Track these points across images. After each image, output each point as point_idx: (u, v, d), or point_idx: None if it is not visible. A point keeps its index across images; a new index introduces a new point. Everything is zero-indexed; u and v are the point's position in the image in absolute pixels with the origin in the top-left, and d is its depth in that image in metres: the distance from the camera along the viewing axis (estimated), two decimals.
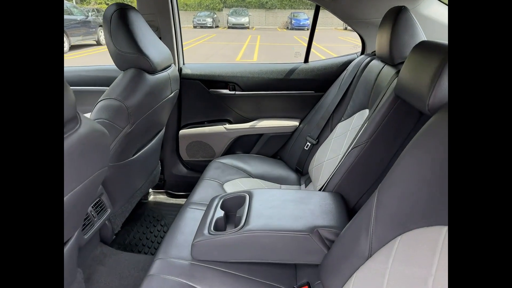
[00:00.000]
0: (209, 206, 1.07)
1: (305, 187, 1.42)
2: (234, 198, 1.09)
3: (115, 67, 1.22)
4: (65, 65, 1.65)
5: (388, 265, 0.67)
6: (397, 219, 0.70)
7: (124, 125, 1.09)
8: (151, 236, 1.52)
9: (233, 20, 19.95)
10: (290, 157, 1.62)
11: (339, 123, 1.39)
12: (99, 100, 1.07)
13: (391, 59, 1.13)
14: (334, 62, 1.68)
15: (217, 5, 23.47)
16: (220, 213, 1.03)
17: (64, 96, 0.55)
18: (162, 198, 1.87)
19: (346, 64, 1.62)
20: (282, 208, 0.98)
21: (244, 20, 19.87)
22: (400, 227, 0.69)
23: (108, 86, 1.12)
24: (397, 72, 1.08)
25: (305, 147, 1.52)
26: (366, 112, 1.23)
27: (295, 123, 1.70)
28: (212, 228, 0.95)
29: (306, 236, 0.88)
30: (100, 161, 0.71)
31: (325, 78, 1.65)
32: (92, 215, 1.13)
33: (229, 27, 20.27)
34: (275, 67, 1.71)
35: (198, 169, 1.82)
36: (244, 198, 1.06)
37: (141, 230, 1.56)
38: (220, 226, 1.00)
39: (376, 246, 0.73)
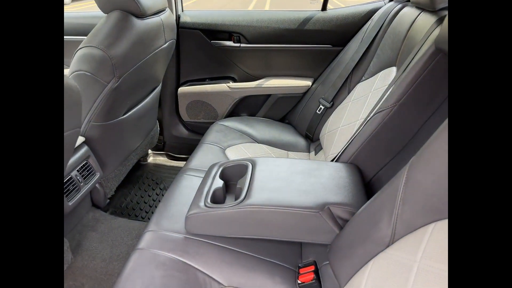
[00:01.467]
0: (207, 175, 0.95)
1: (315, 155, 1.28)
2: (235, 167, 0.96)
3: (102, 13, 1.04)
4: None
5: (416, 257, 0.55)
6: (431, 202, 0.57)
7: (109, 79, 0.94)
8: (149, 200, 1.44)
9: None
10: (300, 122, 1.46)
11: (359, 84, 1.21)
12: (78, 48, 0.91)
13: (431, 3, 0.92)
14: (357, 10, 1.44)
15: None
16: (219, 183, 0.91)
17: None
18: (162, 160, 1.77)
19: (371, 13, 1.38)
20: (289, 180, 0.85)
21: None
22: (435, 213, 0.55)
23: None
24: (439, 20, 0.88)
25: (317, 111, 1.35)
26: (393, 70, 1.04)
27: (308, 82, 1.51)
28: (209, 200, 0.84)
29: (315, 214, 0.76)
30: (68, 121, 0.58)
31: (345, 29, 1.42)
32: (78, 179, 1.02)
33: None
34: (287, 15, 1.48)
35: (199, 131, 1.69)
36: (246, 167, 0.94)
37: (139, 194, 1.47)
38: (218, 198, 0.89)
39: (400, 232, 0.60)
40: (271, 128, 1.43)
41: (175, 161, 1.76)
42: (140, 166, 1.65)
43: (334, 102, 1.30)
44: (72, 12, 1.63)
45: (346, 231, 0.74)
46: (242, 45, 1.50)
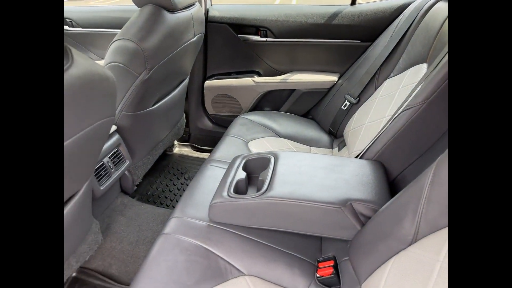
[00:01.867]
0: (230, 166, 0.98)
1: (338, 151, 1.27)
2: (258, 160, 0.98)
3: (135, 7, 1.08)
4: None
5: (439, 257, 0.54)
6: None
7: (140, 71, 0.98)
8: (174, 189, 1.50)
9: None
10: (323, 117, 1.45)
11: (387, 80, 1.18)
12: (113, 40, 0.95)
13: None
14: (388, 5, 1.40)
15: None
16: (241, 174, 0.93)
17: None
18: (187, 151, 1.82)
19: (402, 7, 1.34)
20: (312, 175, 0.86)
21: None
22: None
23: None
24: None
25: (342, 107, 1.34)
26: (423, 67, 1.01)
27: (334, 78, 1.49)
28: (232, 190, 0.86)
29: (337, 209, 0.76)
30: (103, 110, 0.62)
31: (375, 24, 1.39)
32: (109, 166, 1.08)
33: None
34: (315, 9, 1.46)
35: (223, 124, 1.72)
36: (268, 160, 0.95)
37: (164, 182, 1.53)
38: (241, 189, 0.91)
39: (424, 231, 0.59)
40: (294, 123, 1.43)
41: (200, 153, 1.81)
42: (166, 156, 1.71)
43: (360, 98, 1.28)
44: (106, 5, 1.70)
45: (368, 228, 0.73)
46: (269, 39, 1.50)
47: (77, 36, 1.64)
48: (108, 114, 0.64)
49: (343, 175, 0.85)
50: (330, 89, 1.50)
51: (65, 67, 0.50)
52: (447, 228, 0.55)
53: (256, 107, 1.64)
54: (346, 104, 1.32)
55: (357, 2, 1.45)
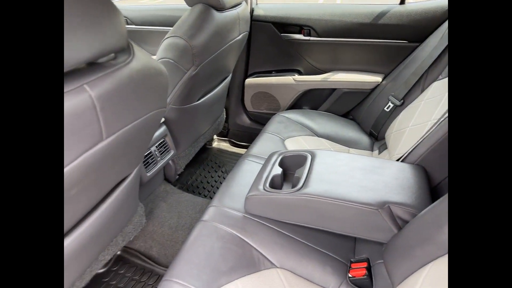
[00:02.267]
0: (267, 161, 1.00)
1: (379, 154, 1.24)
2: (294, 157, 0.99)
3: (186, 6, 1.15)
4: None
5: None
6: None
7: (188, 67, 1.04)
8: (211, 181, 1.56)
9: None
10: (365, 118, 1.42)
11: (435, 82, 1.13)
12: (165, 37, 1.02)
13: None
14: (439, 4, 1.32)
15: None
16: (277, 170, 0.95)
17: (113, 23, 0.49)
18: (225, 146, 1.88)
19: None
20: (349, 175, 0.86)
21: None
22: None
23: None
24: None
25: (385, 108, 1.30)
26: None
27: (377, 78, 1.45)
28: (267, 185, 0.89)
29: (374, 211, 0.75)
30: (157, 101, 0.67)
31: (425, 24, 1.33)
32: (156, 154, 1.16)
33: None
34: (361, 9, 1.43)
35: (261, 121, 1.75)
36: (305, 158, 0.96)
37: (203, 174, 1.60)
38: (276, 184, 0.93)
39: None
40: (333, 122, 1.42)
41: (237, 148, 1.86)
42: (206, 149, 1.79)
43: (405, 100, 1.24)
44: (157, 4, 1.81)
45: (406, 232, 0.72)
46: (312, 38, 1.50)
47: (131, 33, 1.77)
48: (160, 106, 0.70)
49: (382, 177, 0.84)
50: (373, 89, 1.46)
51: (126, 61, 0.55)
52: None
53: (295, 106, 1.65)
54: (389, 105, 1.28)
55: (406, 1, 1.39)
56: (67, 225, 0.65)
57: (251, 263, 0.79)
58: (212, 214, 0.90)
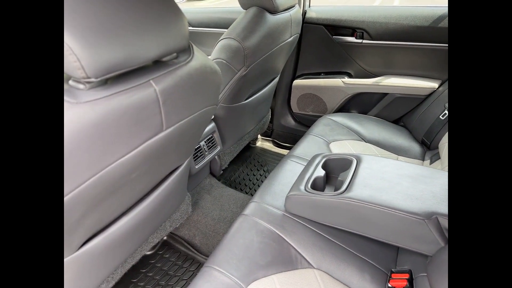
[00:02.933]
0: (309, 163, 1.01)
1: (430, 164, 1.17)
2: (339, 160, 0.99)
3: (241, 9, 1.20)
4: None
5: None
6: None
7: (239, 67, 1.09)
8: (253, 179, 1.60)
9: None
10: (417, 125, 1.35)
11: None
12: (220, 39, 1.08)
13: None
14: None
15: None
16: (320, 172, 0.96)
17: (178, 26, 0.54)
18: (268, 146, 1.91)
19: None
20: (396, 182, 0.83)
21: None
22: None
23: None
24: None
25: (440, 116, 1.23)
26: None
27: (434, 84, 1.37)
28: (309, 186, 0.90)
29: (420, 221, 0.72)
30: (210, 98, 0.72)
31: None
32: (204, 149, 1.23)
33: None
34: (419, 11, 1.36)
35: (306, 123, 1.75)
36: (350, 162, 0.95)
37: (245, 171, 1.65)
38: (318, 186, 0.93)
39: None
40: (383, 128, 1.37)
41: (279, 148, 1.88)
42: (249, 148, 1.84)
43: None
44: (215, 8, 1.90)
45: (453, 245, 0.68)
46: (365, 41, 1.46)
47: (189, 34, 1.89)
48: (213, 103, 0.74)
49: (431, 187, 0.80)
50: (428, 96, 1.38)
51: (187, 60, 0.61)
52: None
53: (342, 109, 1.62)
54: (445, 114, 1.21)
55: None
56: (126, 206, 0.73)
57: (288, 260, 0.81)
58: (253, 209, 0.93)
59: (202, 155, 1.23)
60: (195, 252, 1.18)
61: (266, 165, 1.71)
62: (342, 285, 0.77)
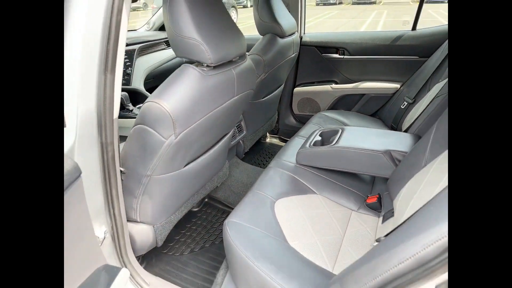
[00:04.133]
0: (311, 134, 1.49)
1: None
2: (330, 131, 1.47)
3: (259, 36, 1.73)
4: None
5: (427, 174, 0.95)
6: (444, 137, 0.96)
7: (260, 73, 1.59)
8: (266, 164, 2.06)
9: None
10: (387, 115, 1.86)
11: (436, 84, 1.55)
12: (248, 54, 1.59)
13: None
14: (443, 29, 1.77)
15: None
16: (318, 138, 1.44)
17: (242, 41, 1.04)
18: (276, 141, 2.39)
19: None
20: (367, 138, 1.31)
21: None
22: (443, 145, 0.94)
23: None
24: None
25: (401, 106, 1.73)
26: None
27: (396, 85, 1.90)
28: (312, 144, 1.37)
29: (379, 155, 1.20)
30: (251, 85, 1.22)
31: (432, 44, 1.77)
32: (236, 130, 1.71)
33: (353, 3, 19.21)
34: (383, 34, 1.93)
35: (305, 121, 2.25)
36: (337, 131, 1.43)
37: (260, 159, 2.11)
38: (317, 145, 1.41)
39: (430, 158, 1.00)
40: (362, 120, 1.87)
41: (285, 143, 2.36)
42: (261, 143, 2.31)
43: (415, 99, 1.66)
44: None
45: (400, 165, 1.15)
46: (345, 56, 2.01)
47: None
48: (252, 87, 1.24)
49: (389, 139, 1.29)
50: (393, 94, 1.90)
51: (244, 60, 1.10)
52: (441, 154, 0.95)
53: (332, 108, 2.13)
54: (404, 103, 1.72)
55: (416, 28, 1.86)
56: (202, 150, 1.19)
57: (301, 190, 1.26)
58: (275, 163, 1.39)
59: (234, 135, 1.70)
60: (231, 207, 1.61)
61: (275, 155, 2.18)
62: (336, 204, 1.22)
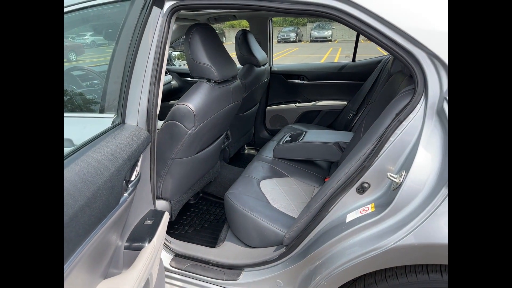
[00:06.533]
0: (282, 137, 1.98)
1: None
2: (297, 134, 1.97)
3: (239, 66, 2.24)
4: None
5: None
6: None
7: (242, 92, 2.08)
8: None
9: (315, 34, 20.83)
10: (338, 126, 2.42)
11: (371, 100, 2.14)
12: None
13: None
14: (374, 60, 2.43)
15: (301, 20, 24.61)
16: (288, 138, 1.93)
17: (233, 64, 1.53)
18: (253, 152, 2.85)
19: (382, 61, 2.35)
20: (322, 135, 1.83)
21: (327, 33, 20.57)
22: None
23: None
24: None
25: (348, 117, 2.30)
26: None
27: (344, 102, 2.49)
28: (284, 142, 1.85)
29: (331, 145, 1.71)
30: (239, 98, 1.69)
31: (367, 71, 2.40)
32: (224, 138, 2.15)
33: (311, 41, 21.12)
34: (332, 64, 2.55)
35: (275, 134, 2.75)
36: (302, 132, 1.94)
37: (241, 166, 2.55)
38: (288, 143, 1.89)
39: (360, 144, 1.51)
40: (320, 129, 2.40)
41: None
42: (241, 154, 2.76)
43: (357, 111, 2.24)
44: None
45: (345, 151, 1.66)
46: (305, 81, 2.59)
47: None
48: (240, 99, 1.71)
49: (338, 136, 1.81)
50: (342, 109, 2.48)
51: (235, 80, 1.58)
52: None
53: (297, 122, 2.66)
54: (350, 115, 2.29)
55: (356, 59, 2.51)
56: (206, 144, 1.61)
57: (278, 174, 1.72)
58: (257, 157, 1.85)
59: (224, 140, 2.14)
60: (222, 199, 2.00)
61: None
62: (303, 183, 1.68)
